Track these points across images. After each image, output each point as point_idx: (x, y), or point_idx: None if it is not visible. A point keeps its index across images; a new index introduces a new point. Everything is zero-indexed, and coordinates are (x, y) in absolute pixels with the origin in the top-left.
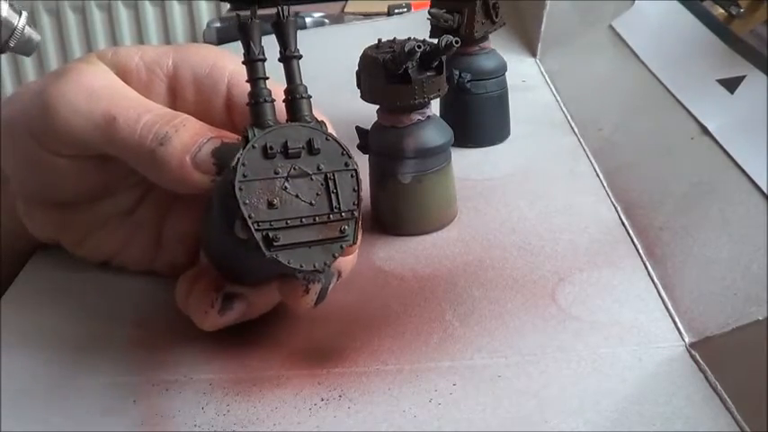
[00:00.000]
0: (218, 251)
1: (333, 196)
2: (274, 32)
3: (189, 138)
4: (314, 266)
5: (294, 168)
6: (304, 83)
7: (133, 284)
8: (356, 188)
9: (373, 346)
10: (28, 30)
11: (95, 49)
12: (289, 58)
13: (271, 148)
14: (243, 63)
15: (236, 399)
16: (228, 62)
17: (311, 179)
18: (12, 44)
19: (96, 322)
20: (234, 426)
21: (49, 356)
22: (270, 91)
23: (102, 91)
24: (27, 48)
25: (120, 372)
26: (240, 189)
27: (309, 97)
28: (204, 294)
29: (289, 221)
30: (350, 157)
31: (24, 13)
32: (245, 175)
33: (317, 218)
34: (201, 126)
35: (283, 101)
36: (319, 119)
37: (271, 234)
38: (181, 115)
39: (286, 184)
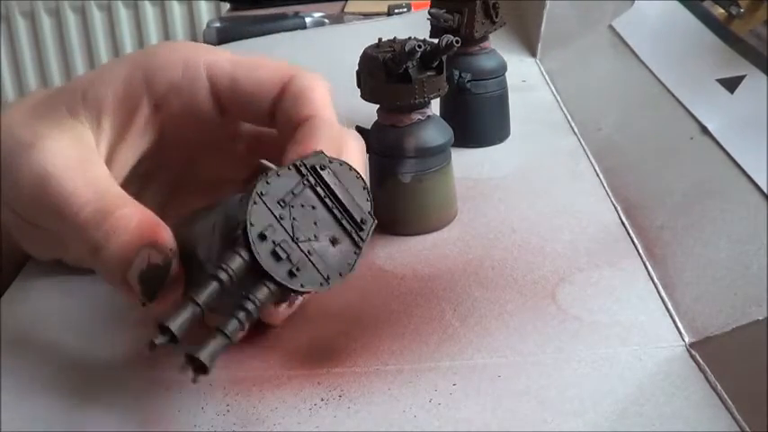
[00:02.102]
0: None
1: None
2: None
3: (119, 251)
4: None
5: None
6: None
7: None
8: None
9: (373, 347)
10: None
11: (95, 50)
12: None
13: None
14: None
15: (236, 399)
16: (200, 53)
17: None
18: None
19: (96, 322)
20: (234, 426)
21: (49, 356)
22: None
23: (56, 172)
24: None
25: (120, 371)
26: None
27: None
28: None
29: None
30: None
31: None
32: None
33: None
34: (135, 229)
35: None
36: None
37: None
38: (114, 213)
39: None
